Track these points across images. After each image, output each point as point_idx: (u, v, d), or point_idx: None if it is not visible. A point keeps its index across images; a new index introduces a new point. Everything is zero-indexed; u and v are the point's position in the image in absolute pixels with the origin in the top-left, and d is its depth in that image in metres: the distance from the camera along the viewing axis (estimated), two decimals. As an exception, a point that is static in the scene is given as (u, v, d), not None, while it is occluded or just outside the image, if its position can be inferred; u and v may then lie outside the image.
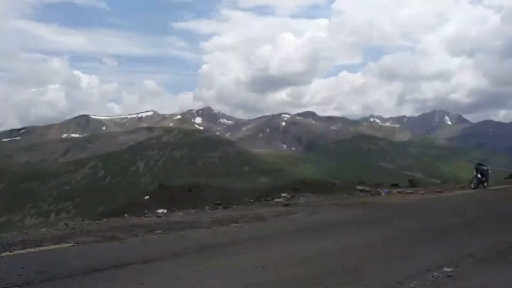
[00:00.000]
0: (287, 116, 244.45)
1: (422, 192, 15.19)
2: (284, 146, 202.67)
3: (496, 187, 16.44)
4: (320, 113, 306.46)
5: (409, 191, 15.51)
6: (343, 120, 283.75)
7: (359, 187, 16.90)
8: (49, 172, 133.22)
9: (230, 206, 11.54)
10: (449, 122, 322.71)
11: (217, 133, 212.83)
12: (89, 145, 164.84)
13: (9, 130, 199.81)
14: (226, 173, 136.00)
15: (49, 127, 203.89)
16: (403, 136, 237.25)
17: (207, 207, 11.53)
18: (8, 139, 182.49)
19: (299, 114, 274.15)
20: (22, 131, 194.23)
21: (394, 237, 6.48)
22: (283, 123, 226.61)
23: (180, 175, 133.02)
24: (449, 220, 8.24)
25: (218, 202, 12.58)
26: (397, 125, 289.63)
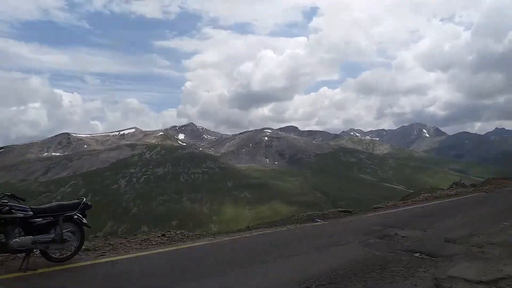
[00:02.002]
0: (270, 131, 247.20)
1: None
2: (267, 160, 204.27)
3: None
4: (302, 127, 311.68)
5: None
6: (324, 134, 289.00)
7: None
8: (29, 192, 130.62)
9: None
10: (427, 135, 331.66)
11: (201, 148, 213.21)
12: (70, 164, 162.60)
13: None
14: (210, 189, 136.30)
15: (29, 145, 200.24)
16: (383, 149, 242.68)
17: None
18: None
19: (281, 129, 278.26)
20: (1, 150, 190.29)
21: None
22: (266, 138, 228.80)
23: (164, 192, 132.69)
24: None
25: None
26: (377, 138, 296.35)
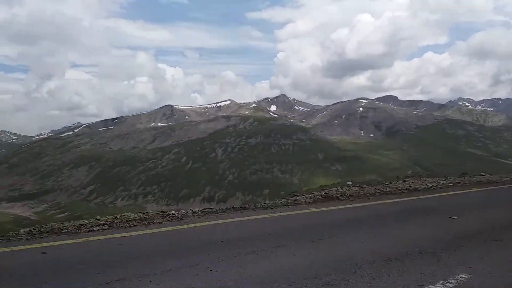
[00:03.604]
0: (365, 101, 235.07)
1: None
2: (362, 132, 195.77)
3: None
4: (402, 97, 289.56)
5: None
6: (427, 104, 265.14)
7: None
8: (138, 158, 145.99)
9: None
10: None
11: (292, 120, 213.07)
12: (173, 133, 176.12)
13: (104, 120, 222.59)
14: (300, 160, 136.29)
15: (139, 117, 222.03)
16: (497, 120, 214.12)
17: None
18: (103, 128, 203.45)
19: (378, 99, 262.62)
20: (115, 121, 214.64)
21: None
22: (361, 109, 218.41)
23: (256, 162, 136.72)
24: None
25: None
26: (490, 109, 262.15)
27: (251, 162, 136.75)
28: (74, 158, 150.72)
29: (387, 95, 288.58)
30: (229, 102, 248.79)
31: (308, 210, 8.83)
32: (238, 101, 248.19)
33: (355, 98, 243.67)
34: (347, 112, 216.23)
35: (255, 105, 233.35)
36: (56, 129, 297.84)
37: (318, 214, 8.55)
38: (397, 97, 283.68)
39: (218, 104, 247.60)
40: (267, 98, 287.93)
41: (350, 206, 9.61)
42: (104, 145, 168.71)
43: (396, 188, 12.68)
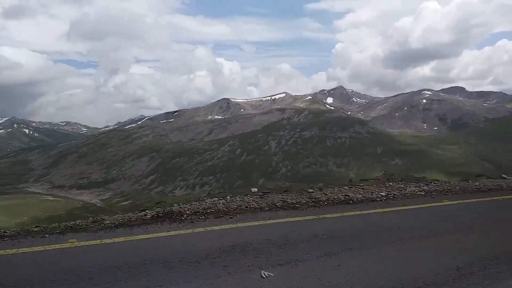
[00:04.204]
0: (429, 92, 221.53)
1: None
2: (425, 125, 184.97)
3: None
4: (471, 88, 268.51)
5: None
6: (499, 95, 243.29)
7: None
8: (196, 150, 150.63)
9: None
10: None
11: (349, 113, 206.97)
12: (229, 126, 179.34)
13: (165, 113, 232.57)
14: (357, 154, 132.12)
15: (197, 110, 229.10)
16: None
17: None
18: (164, 120, 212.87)
19: (444, 90, 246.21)
20: (175, 113, 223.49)
21: None
22: (424, 100, 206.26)
23: (310, 155, 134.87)
24: None
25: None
26: None
27: (305, 155, 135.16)
28: (137, 149, 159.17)
29: (454, 86, 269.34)
30: (284, 94, 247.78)
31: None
32: (293, 94, 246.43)
33: (418, 89, 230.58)
34: (409, 104, 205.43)
35: (310, 97, 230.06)
36: (121, 121, 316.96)
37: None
38: (464, 88, 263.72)
39: (273, 97, 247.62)
40: (324, 90, 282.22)
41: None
42: (164, 137, 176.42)
43: (315, 198, 9.20)
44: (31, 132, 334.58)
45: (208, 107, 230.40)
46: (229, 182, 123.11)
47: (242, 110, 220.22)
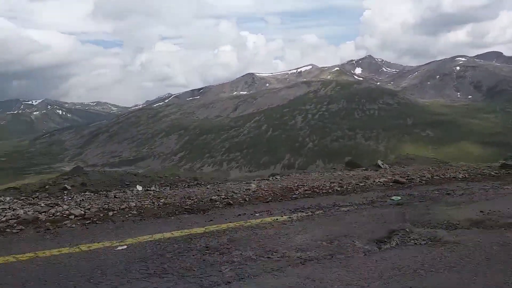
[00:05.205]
0: (464, 59, 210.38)
1: None
2: (458, 94, 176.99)
3: None
4: (510, 53, 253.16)
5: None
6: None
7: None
8: (222, 127, 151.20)
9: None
10: None
11: (378, 83, 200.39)
12: (254, 101, 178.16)
13: (191, 90, 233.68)
14: (386, 126, 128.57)
15: (222, 86, 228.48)
16: None
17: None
18: (190, 98, 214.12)
19: (479, 56, 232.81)
20: (201, 90, 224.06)
21: None
22: (458, 68, 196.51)
23: (337, 128, 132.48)
24: None
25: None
26: None
27: (332, 128, 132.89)
28: (165, 127, 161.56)
29: (490, 51, 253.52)
30: (310, 67, 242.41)
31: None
32: (320, 66, 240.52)
33: (452, 56, 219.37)
34: (441, 73, 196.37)
35: (337, 68, 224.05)
36: (150, 99, 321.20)
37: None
38: (502, 53, 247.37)
39: (299, 70, 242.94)
40: (352, 61, 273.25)
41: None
42: (191, 114, 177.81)
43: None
44: (64, 113, 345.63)
45: (233, 83, 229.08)
46: (255, 158, 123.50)
47: (267, 84, 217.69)
